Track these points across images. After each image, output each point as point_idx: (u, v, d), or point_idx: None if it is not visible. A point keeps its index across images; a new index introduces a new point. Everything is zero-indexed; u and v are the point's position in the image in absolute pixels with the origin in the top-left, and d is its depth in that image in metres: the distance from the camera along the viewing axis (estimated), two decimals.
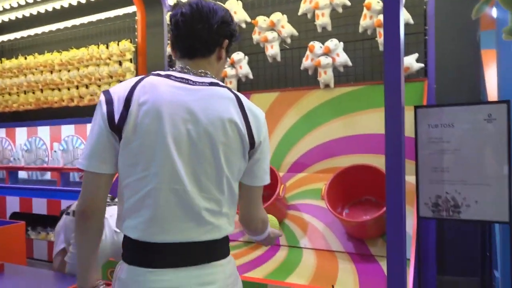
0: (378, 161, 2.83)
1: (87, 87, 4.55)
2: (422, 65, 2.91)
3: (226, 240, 1.22)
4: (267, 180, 1.27)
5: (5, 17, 5.13)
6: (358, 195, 2.85)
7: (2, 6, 4.88)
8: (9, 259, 2.74)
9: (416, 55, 2.91)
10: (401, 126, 1.32)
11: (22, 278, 2.11)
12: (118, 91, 1.12)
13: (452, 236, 3.23)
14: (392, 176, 1.33)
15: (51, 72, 4.83)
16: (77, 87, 4.63)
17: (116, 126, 1.08)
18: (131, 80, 1.15)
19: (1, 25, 5.35)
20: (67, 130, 4.77)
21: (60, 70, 4.73)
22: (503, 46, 1.86)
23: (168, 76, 1.15)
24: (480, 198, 1.78)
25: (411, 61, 2.89)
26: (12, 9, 4.99)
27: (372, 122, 3.02)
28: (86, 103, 4.55)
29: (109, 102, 1.10)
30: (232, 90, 1.22)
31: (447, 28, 3.14)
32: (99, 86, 4.48)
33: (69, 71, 4.65)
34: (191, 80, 1.15)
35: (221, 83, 1.21)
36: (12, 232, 2.98)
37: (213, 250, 1.16)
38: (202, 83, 1.16)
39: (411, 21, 2.92)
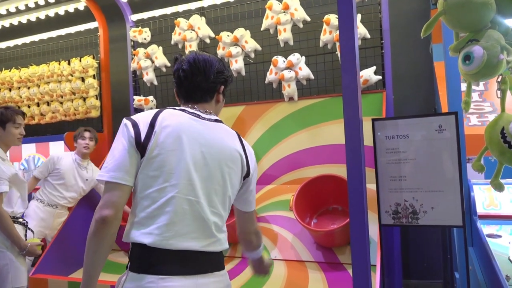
0: (342, 171, 2.90)
1: (48, 104, 4.43)
2: (379, 77, 3.04)
3: (222, 254, 1.36)
4: (254, 206, 1.50)
5: None
6: (325, 205, 2.91)
7: None
8: None
9: (374, 68, 3.04)
10: (360, 137, 1.39)
11: None
12: (142, 118, 1.30)
13: (416, 241, 3.35)
14: (353, 185, 1.38)
15: (10, 90, 4.67)
16: (38, 105, 4.50)
17: (141, 144, 1.25)
18: (152, 111, 1.34)
19: None
20: (28, 149, 4.60)
21: (19, 88, 4.59)
22: (450, 60, 1.99)
23: (183, 110, 1.35)
24: (435, 204, 1.88)
25: (369, 74, 3.01)
26: None
27: (335, 133, 3.11)
28: (48, 120, 4.43)
29: (135, 125, 1.27)
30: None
31: (402, 41, 3.31)
32: (61, 103, 4.36)
33: (29, 88, 4.52)
34: (201, 116, 1.35)
35: (222, 121, 1.43)
36: None
37: (215, 261, 1.30)
38: (210, 119, 1.37)
39: (368, 36, 3.05)
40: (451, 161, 1.85)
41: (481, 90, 2.98)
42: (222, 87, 1.43)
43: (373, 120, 2.00)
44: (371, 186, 2.09)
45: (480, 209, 2.25)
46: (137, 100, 3.87)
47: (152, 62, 3.83)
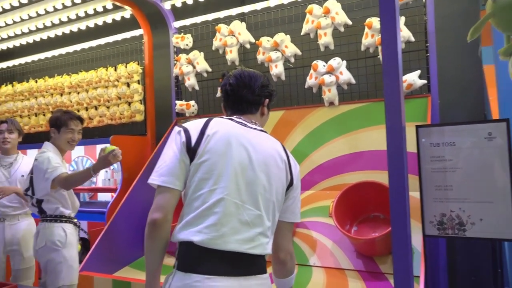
0: (384, 178, 2.83)
1: (96, 108, 4.64)
2: (424, 81, 2.94)
3: (265, 258, 1.39)
4: (299, 218, 1.55)
5: (16, 42, 5.28)
6: (366, 212, 2.85)
7: (14, 32, 5.03)
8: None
9: (418, 72, 2.95)
10: (402, 144, 1.34)
11: None
12: (193, 125, 1.40)
13: (463, 252, 3.19)
14: (396, 193, 1.34)
15: (61, 95, 4.94)
16: (86, 109, 4.72)
17: (191, 149, 1.33)
18: (202, 119, 1.44)
19: (12, 50, 5.50)
20: (77, 151, 4.84)
21: (70, 93, 4.84)
22: (501, 64, 1.88)
23: (230, 119, 1.45)
24: (484, 216, 1.77)
25: (414, 78, 2.92)
26: (23, 34, 5.14)
27: (376, 139, 3.03)
28: (96, 124, 4.63)
29: (186, 131, 1.37)
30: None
31: (449, 44, 3.17)
32: (108, 107, 4.55)
33: (78, 93, 4.75)
34: (247, 124, 1.44)
35: (267, 132, 1.50)
36: None
37: (259, 265, 1.34)
38: (255, 129, 1.45)
39: (412, 39, 2.96)
40: (502, 171, 1.74)
41: None
42: (267, 100, 1.52)
43: (417, 127, 1.93)
44: (414, 194, 2.02)
45: None
46: (179, 104, 3.97)
47: (194, 67, 3.92)
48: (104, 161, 2.29)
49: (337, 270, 2.71)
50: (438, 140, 1.84)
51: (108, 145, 2.36)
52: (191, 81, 3.92)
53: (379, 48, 3.01)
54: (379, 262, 2.64)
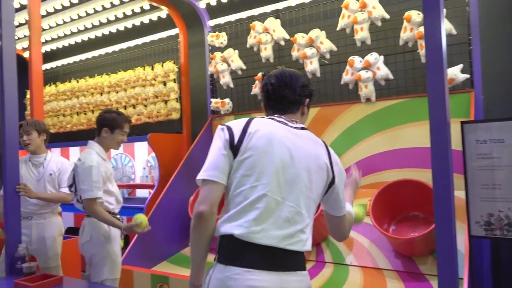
0: (423, 176, 2.75)
1: (134, 107, 4.77)
2: (467, 76, 2.83)
3: (304, 255, 1.40)
4: (345, 208, 1.54)
5: (59, 44, 5.50)
6: (405, 211, 2.78)
7: (57, 34, 5.25)
8: (65, 273, 2.89)
9: (460, 66, 2.83)
10: (448, 142, 1.29)
11: None
12: (236, 124, 1.43)
13: (509, 254, 3.05)
14: (440, 193, 1.29)
15: (101, 94, 5.11)
16: (125, 107, 4.85)
17: (234, 146, 1.37)
18: (244, 119, 1.47)
19: (55, 52, 5.74)
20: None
21: (109, 92, 5.00)
22: None
23: (271, 118, 1.47)
24: None
25: (455, 72, 2.81)
26: (65, 36, 5.36)
27: (415, 135, 2.95)
28: (133, 122, 4.74)
29: (229, 129, 1.41)
30: None
31: (493, 36, 3.03)
32: (145, 106, 4.67)
33: (117, 92, 4.89)
34: (288, 124, 1.46)
35: (308, 129, 1.51)
36: (67, 246, 3.13)
37: (298, 261, 1.36)
38: (296, 127, 1.46)
39: (454, 31, 2.85)
40: None
41: None
42: (307, 100, 1.53)
43: (462, 123, 1.85)
44: (458, 194, 1.95)
45: None
46: (214, 102, 4.01)
47: (228, 65, 3.94)
48: (132, 231, 2.42)
49: (375, 269, 2.66)
50: (485, 136, 1.76)
51: (142, 215, 2.44)
52: (226, 79, 3.95)
53: (419, 42, 2.92)
54: (418, 262, 2.57)
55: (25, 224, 2.79)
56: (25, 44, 5.55)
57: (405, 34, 2.99)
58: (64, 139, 5.78)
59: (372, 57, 3.08)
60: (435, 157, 1.35)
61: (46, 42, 5.51)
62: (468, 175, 1.82)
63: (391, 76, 3.09)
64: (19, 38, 5.39)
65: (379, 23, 3.12)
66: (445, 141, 1.32)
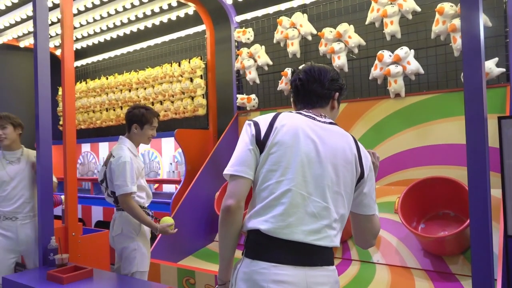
0: (454, 173, 2.68)
1: (161, 103, 4.83)
2: (503, 69, 2.72)
3: (332, 250, 1.39)
4: (375, 210, 1.48)
5: (89, 42, 5.63)
6: (435, 209, 2.71)
7: (87, 32, 5.37)
8: (95, 265, 2.96)
9: (496, 60, 2.73)
10: (484, 138, 1.24)
11: (110, 283, 2.26)
12: (262, 119, 1.44)
13: None
14: (476, 192, 1.25)
15: (130, 90, 5.20)
16: (152, 104, 4.92)
17: (261, 142, 1.38)
18: (271, 114, 1.46)
19: (85, 49, 5.88)
20: (143, 144, 5.04)
21: (137, 88, 5.08)
22: None
23: (299, 113, 1.46)
24: None
25: (491, 66, 2.71)
26: (95, 34, 5.48)
27: (446, 132, 2.87)
28: (161, 118, 4.81)
29: (256, 124, 1.41)
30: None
31: None
32: (172, 102, 4.72)
33: (145, 88, 4.97)
34: (316, 118, 1.44)
35: (337, 124, 1.48)
36: (97, 240, 3.21)
37: (325, 256, 1.34)
38: (324, 122, 1.45)
39: (489, 24, 2.74)
40: None
41: None
42: (337, 94, 1.51)
43: (500, 118, 1.77)
44: (493, 192, 1.87)
45: None
46: (240, 98, 4.01)
47: (255, 61, 3.93)
48: (165, 232, 2.50)
49: (403, 268, 2.61)
50: None
51: (169, 218, 2.59)
52: (252, 75, 3.95)
53: (451, 35, 2.82)
54: (448, 262, 2.51)
55: (9, 224, 2.77)
56: (57, 42, 5.71)
57: (437, 27, 2.89)
58: (94, 134, 5.93)
59: (402, 51, 3.01)
60: (471, 155, 1.30)
61: (77, 40, 5.64)
62: (505, 173, 1.74)
63: (421, 71, 3.00)
64: (51, 37, 5.55)
65: (410, 16, 3.04)
66: (482, 137, 1.27)
